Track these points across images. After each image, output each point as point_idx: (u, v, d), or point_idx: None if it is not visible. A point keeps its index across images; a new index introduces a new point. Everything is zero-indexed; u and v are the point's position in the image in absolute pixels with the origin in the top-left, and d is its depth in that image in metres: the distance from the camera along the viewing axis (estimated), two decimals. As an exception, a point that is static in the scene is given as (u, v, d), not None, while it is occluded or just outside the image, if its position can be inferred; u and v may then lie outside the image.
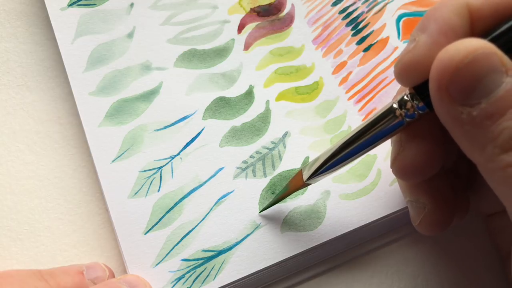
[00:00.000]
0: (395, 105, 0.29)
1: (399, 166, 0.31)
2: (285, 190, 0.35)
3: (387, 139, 0.30)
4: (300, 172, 0.34)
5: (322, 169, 0.32)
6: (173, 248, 0.35)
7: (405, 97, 0.28)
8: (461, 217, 0.35)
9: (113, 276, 0.35)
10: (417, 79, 0.27)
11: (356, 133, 0.30)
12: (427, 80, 0.26)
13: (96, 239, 0.37)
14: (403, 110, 0.28)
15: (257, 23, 0.42)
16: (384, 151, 0.38)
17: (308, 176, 0.33)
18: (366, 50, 0.42)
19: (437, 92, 0.25)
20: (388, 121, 0.29)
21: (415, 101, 0.28)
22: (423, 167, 0.30)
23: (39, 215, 0.38)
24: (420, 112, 0.28)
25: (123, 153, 0.37)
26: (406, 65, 0.28)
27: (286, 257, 0.35)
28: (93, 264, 0.35)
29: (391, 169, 0.32)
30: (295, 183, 0.34)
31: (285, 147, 0.38)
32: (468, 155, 0.26)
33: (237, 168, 0.37)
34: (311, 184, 0.34)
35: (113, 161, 0.37)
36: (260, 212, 0.36)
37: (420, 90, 0.27)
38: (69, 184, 0.39)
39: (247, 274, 0.35)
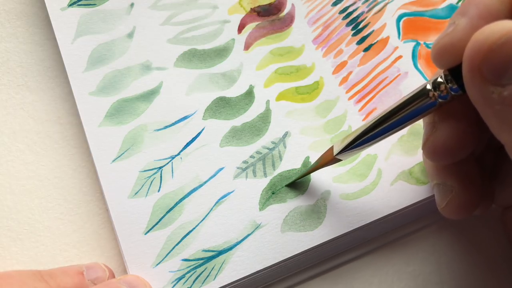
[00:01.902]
0: (428, 86, 0.29)
1: (431, 147, 0.31)
2: (316, 163, 0.36)
3: (419, 119, 0.30)
4: (331, 148, 0.34)
5: (353, 144, 0.32)
6: (173, 248, 0.35)
7: (439, 79, 0.28)
8: (485, 207, 0.35)
9: (113, 276, 0.35)
10: (452, 62, 0.28)
11: (389, 112, 0.31)
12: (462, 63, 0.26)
13: (96, 239, 0.37)
14: (436, 92, 0.28)
15: (257, 23, 0.42)
16: (384, 151, 0.38)
17: (339, 151, 0.33)
18: (366, 50, 0.42)
19: (470, 71, 0.25)
20: (421, 101, 0.29)
21: (449, 84, 0.28)
22: (455, 148, 0.30)
23: (39, 215, 0.38)
24: (453, 93, 0.28)
25: (123, 153, 0.37)
26: (443, 48, 0.28)
27: (286, 257, 0.35)
28: (93, 265, 0.35)
29: (422, 151, 0.32)
30: (326, 158, 0.35)
31: (285, 147, 0.38)
32: (497, 135, 0.26)
33: (237, 168, 0.37)
34: (341, 160, 0.34)
35: (113, 161, 0.37)
36: (286, 185, 0.37)
37: (454, 72, 0.28)
38: (69, 184, 0.39)
39: (247, 274, 0.35)
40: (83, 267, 0.34)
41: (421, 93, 0.29)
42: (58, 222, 0.38)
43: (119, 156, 0.37)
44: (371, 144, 0.32)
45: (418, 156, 0.38)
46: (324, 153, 0.35)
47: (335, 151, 0.33)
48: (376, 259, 0.38)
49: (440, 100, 0.29)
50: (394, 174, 0.37)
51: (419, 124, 0.39)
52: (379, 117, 0.31)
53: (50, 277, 0.32)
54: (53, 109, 0.41)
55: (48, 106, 0.41)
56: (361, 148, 0.32)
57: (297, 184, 0.37)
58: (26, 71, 0.42)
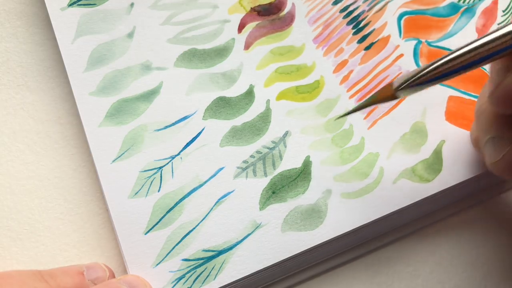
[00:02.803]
0: (506, 30, 0.28)
1: (502, 92, 0.30)
2: (370, 99, 0.34)
3: (490, 61, 0.30)
4: (389, 83, 0.32)
5: (415, 81, 0.31)
6: (173, 248, 0.35)
7: None
8: None
9: (113, 276, 0.35)
10: None
11: (463, 51, 0.30)
12: None
13: (96, 239, 0.37)
14: None
15: (257, 22, 0.42)
16: (386, 149, 0.38)
17: (398, 85, 0.31)
18: (367, 48, 0.41)
19: None
20: (498, 43, 0.29)
21: None
22: None
23: (39, 215, 0.38)
24: None
25: (123, 153, 0.37)
26: None
27: (286, 257, 0.35)
28: (93, 265, 0.35)
29: (489, 99, 0.31)
30: (383, 92, 0.33)
31: (285, 146, 0.38)
32: None
33: (238, 167, 0.37)
34: (399, 98, 0.32)
35: (113, 161, 0.37)
36: (339, 117, 0.37)
37: None
38: (69, 184, 0.39)
39: (247, 274, 0.34)
40: (83, 267, 0.34)
41: (498, 36, 0.29)
42: (58, 222, 0.38)
43: (119, 156, 0.37)
44: (435, 83, 0.30)
45: (421, 154, 0.38)
46: (381, 88, 0.33)
47: (395, 85, 0.31)
48: (376, 259, 0.38)
49: None
50: (396, 172, 0.37)
51: (422, 122, 0.39)
52: (450, 55, 0.30)
53: (50, 277, 0.32)
54: (53, 109, 0.41)
55: (48, 106, 0.41)
56: (425, 86, 0.31)
57: (297, 183, 0.37)
58: (26, 71, 0.42)
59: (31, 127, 0.40)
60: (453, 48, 0.41)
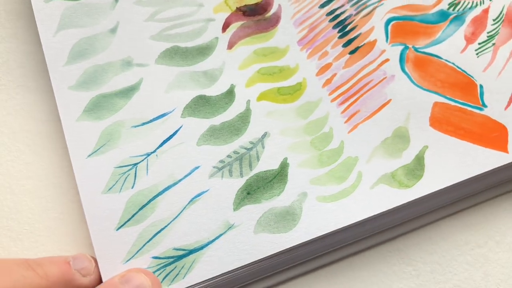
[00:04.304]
0: None
1: None
2: None
3: None
4: None
5: None
6: (144, 245, 0.35)
7: None
8: None
9: (98, 267, 0.35)
10: None
11: None
12: None
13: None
14: None
15: (242, 22, 0.42)
16: (366, 153, 0.37)
17: None
18: (352, 52, 0.41)
19: None
20: None
21: None
22: None
23: (39, 215, 0.38)
24: None
25: (99, 148, 0.37)
26: None
27: (258, 259, 0.34)
28: (79, 255, 0.35)
29: None
30: None
31: (263, 147, 0.37)
32: None
33: (214, 167, 0.37)
34: None
35: (89, 156, 0.37)
36: None
37: None
38: (69, 184, 0.39)
39: (217, 274, 0.34)
40: (69, 257, 0.34)
41: None
42: (58, 222, 0.38)
43: (95, 151, 0.37)
44: None
45: (402, 159, 0.37)
46: None
47: None
48: (376, 259, 0.38)
49: None
50: (375, 177, 0.37)
51: (404, 127, 0.38)
52: None
53: (38, 266, 0.32)
54: (53, 109, 0.41)
55: (48, 106, 0.41)
56: None
57: (273, 185, 0.36)
58: (26, 72, 0.42)
59: (31, 127, 0.40)
60: (440, 54, 0.40)
